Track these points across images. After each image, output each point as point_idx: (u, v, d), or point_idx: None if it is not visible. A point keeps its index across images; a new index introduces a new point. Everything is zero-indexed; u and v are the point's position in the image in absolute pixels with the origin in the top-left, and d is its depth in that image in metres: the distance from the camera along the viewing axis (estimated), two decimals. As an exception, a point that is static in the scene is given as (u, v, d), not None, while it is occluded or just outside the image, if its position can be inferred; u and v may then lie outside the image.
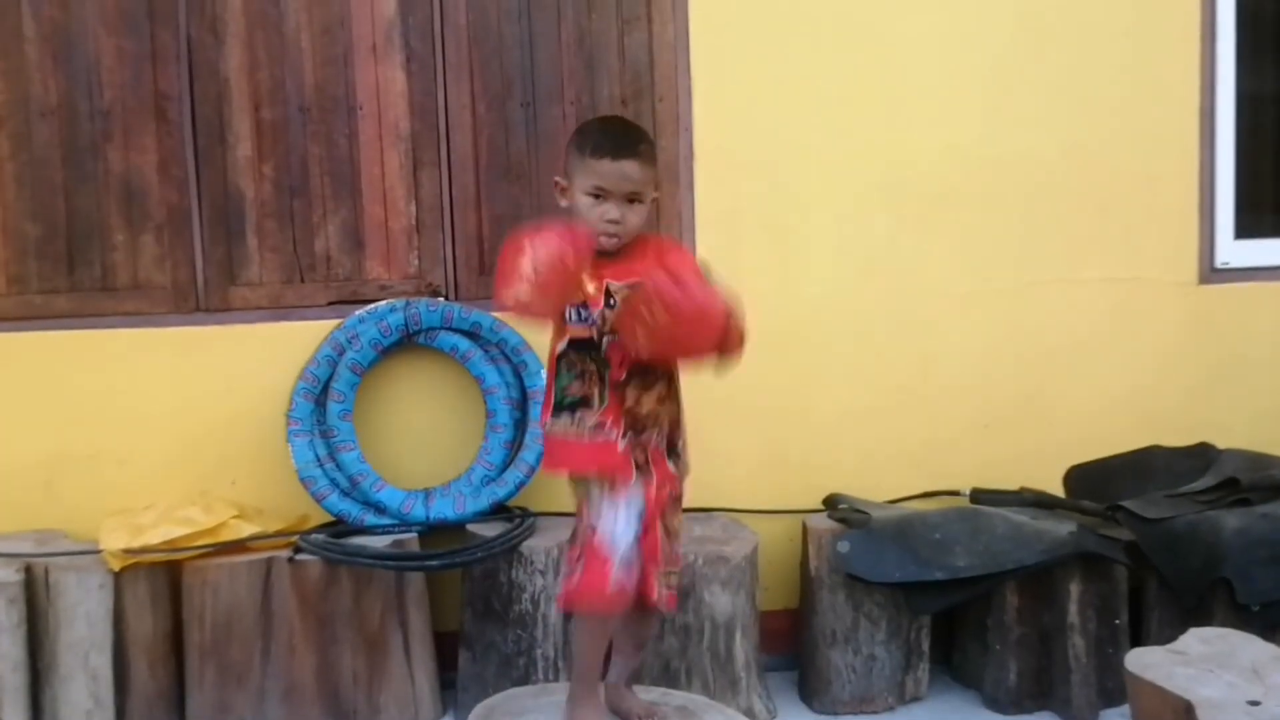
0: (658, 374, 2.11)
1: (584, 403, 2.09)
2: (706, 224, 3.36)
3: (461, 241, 3.32)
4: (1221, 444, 3.40)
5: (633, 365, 2.07)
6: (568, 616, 2.28)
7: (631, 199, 2.06)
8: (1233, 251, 3.55)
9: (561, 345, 2.11)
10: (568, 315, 2.09)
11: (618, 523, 2.03)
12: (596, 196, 2.05)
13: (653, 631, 2.42)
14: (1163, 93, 3.48)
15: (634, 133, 2.16)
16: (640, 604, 2.16)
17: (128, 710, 2.98)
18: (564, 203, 2.11)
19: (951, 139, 3.40)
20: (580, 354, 2.09)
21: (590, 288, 2.06)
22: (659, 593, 2.16)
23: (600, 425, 2.08)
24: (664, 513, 2.15)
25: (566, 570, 2.13)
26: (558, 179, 2.13)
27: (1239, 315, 3.56)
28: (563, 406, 2.11)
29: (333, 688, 2.98)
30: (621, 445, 2.09)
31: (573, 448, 2.09)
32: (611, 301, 2.06)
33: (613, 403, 2.08)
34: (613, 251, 2.10)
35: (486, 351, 3.23)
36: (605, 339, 2.07)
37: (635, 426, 2.10)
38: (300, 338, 3.21)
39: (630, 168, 2.05)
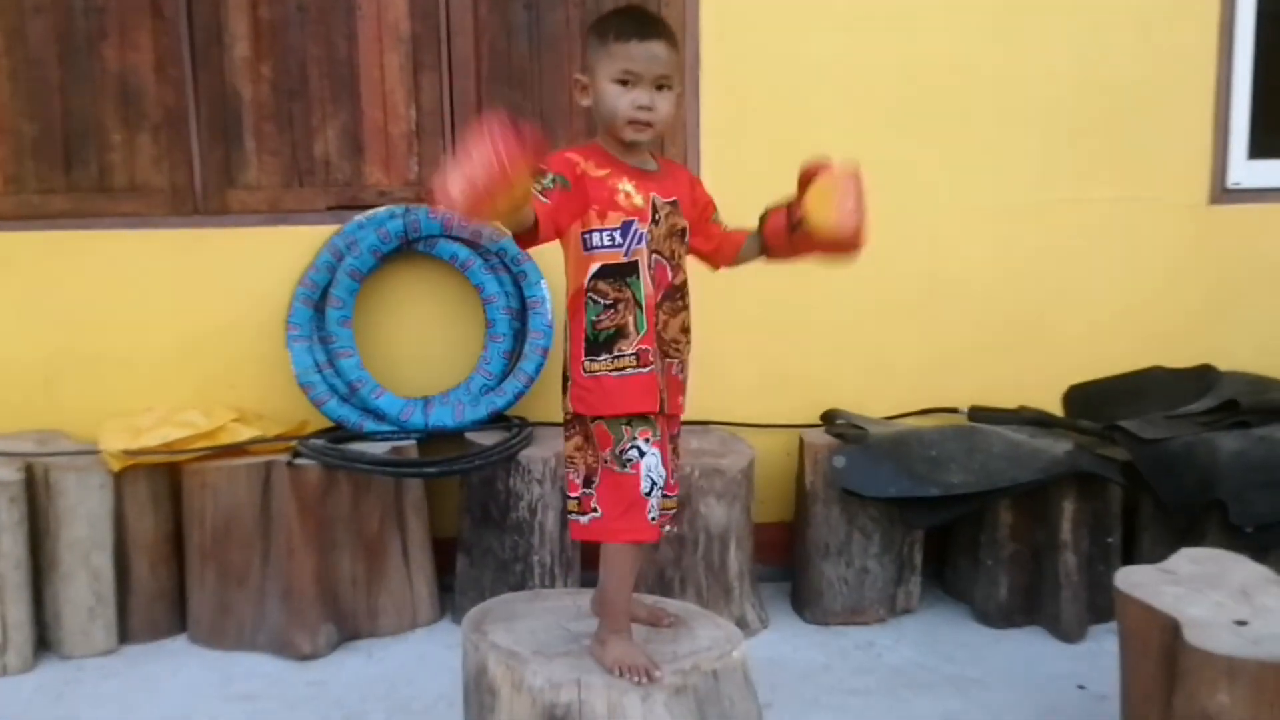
0: (684, 296, 2.00)
1: (620, 333, 1.91)
2: (711, 134, 3.32)
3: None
4: (1224, 367, 3.39)
5: (669, 286, 1.95)
6: (581, 541, 2.15)
7: (660, 84, 1.91)
8: (1245, 171, 3.49)
9: (587, 277, 1.91)
10: (589, 241, 1.90)
11: (652, 457, 1.91)
12: (624, 83, 1.90)
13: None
14: (1181, 6, 3.41)
15: (656, 17, 2.03)
16: None
17: (129, 608, 3.03)
18: (585, 101, 1.96)
19: (964, 55, 3.35)
20: (614, 281, 1.91)
21: (638, 199, 1.91)
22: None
23: (640, 355, 1.92)
24: (674, 437, 2.04)
25: (576, 505, 1.97)
26: (578, 76, 1.98)
27: (1248, 237, 3.50)
28: (598, 343, 1.92)
29: (332, 590, 2.99)
30: (654, 374, 1.94)
31: (614, 387, 1.90)
32: (657, 218, 1.92)
33: (651, 327, 1.93)
34: (642, 162, 1.97)
35: (486, 260, 3.22)
36: (654, 257, 1.92)
37: (663, 352, 1.96)
38: (299, 242, 3.20)
39: (659, 48, 1.91)
